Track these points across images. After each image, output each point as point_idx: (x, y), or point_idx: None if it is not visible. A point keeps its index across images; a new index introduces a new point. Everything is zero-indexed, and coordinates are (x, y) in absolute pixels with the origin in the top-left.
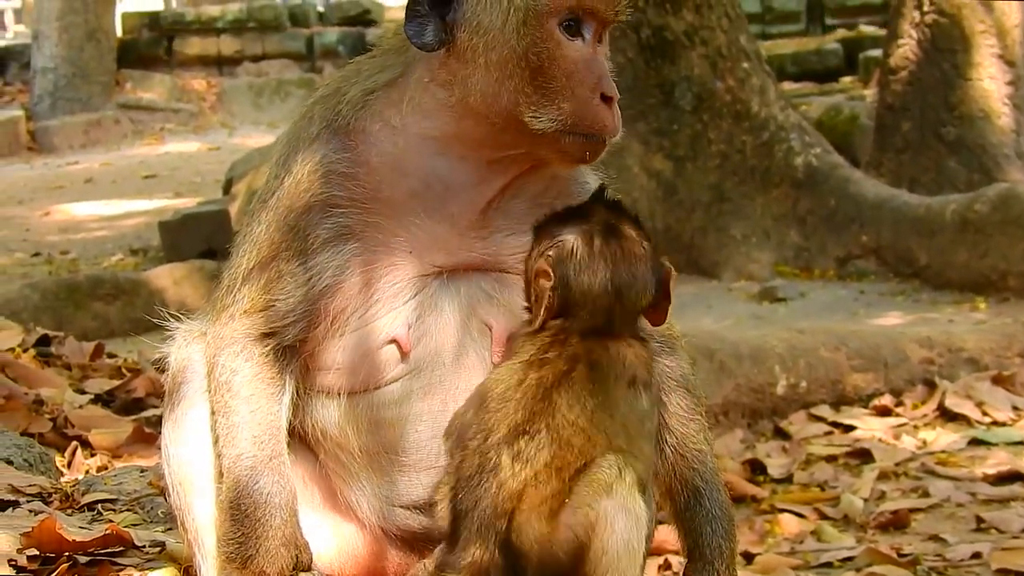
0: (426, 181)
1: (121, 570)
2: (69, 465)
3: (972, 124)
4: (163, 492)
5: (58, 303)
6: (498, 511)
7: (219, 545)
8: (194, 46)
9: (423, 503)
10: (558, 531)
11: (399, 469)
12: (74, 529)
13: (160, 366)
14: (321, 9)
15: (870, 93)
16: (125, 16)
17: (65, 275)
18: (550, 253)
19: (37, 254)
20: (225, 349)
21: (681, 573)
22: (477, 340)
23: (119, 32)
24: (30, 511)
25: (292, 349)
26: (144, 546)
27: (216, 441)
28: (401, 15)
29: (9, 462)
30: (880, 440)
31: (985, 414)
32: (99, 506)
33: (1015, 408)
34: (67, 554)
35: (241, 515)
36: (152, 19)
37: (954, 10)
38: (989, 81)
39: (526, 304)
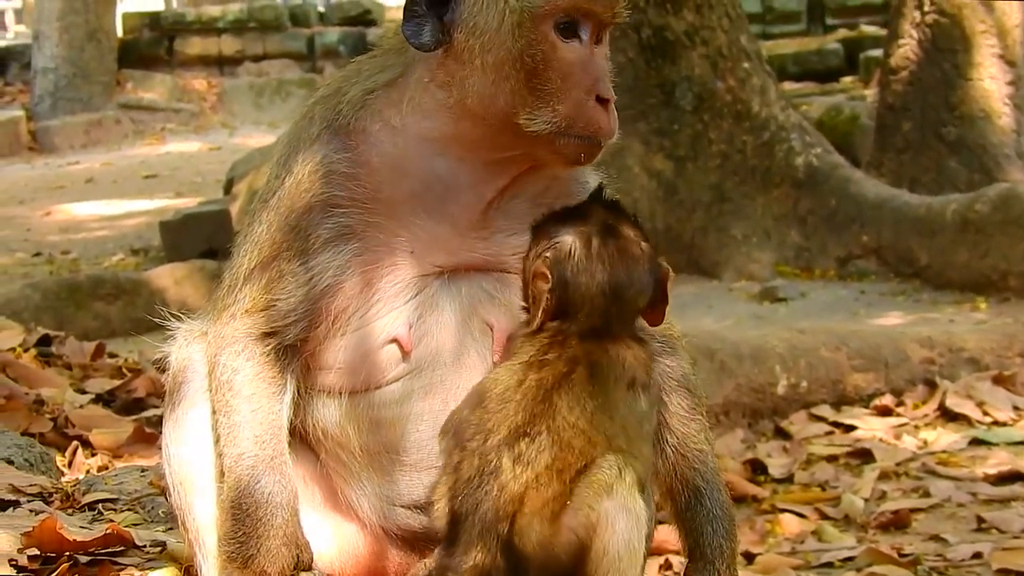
0: (426, 182)
1: (122, 570)
2: (70, 465)
3: (973, 124)
4: (164, 492)
5: (59, 303)
6: (500, 514)
7: (220, 544)
8: (195, 46)
9: (424, 503)
10: (560, 533)
11: (400, 469)
12: (75, 529)
13: (161, 366)
14: (322, 9)
15: (871, 93)
16: (126, 16)
17: (66, 275)
18: (547, 254)
19: (38, 254)
20: (226, 348)
21: (682, 573)
22: (478, 340)
23: (120, 32)
24: (31, 511)
25: (293, 348)
26: (145, 546)
27: (217, 440)
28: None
29: (10, 462)
30: (881, 440)
31: (986, 414)
32: (100, 506)
33: (1016, 408)
34: (68, 554)
35: (242, 514)
36: (153, 19)
37: (955, 10)
38: (990, 81)
39: (524, 305)
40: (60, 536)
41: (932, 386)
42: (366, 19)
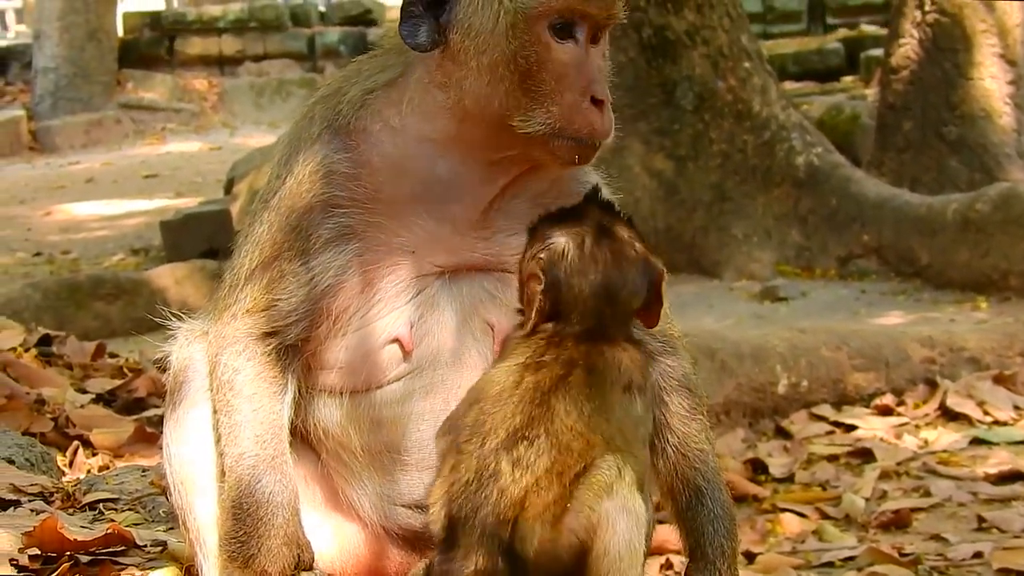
0: (427, 182)
1: (123, 569)
2: (71, 464)
3: (973, 123)
4: (164, 491)
5: (59, 303)
6: (500, 519)
7: (221, 544)
8: (195, 46)
9: (424, 502)
10: (561, 535)
11: (401, 468)
12: (76, 528)
13: (161, 365)
14: (322, 9)
15: (871, 92)
16: (126, 16)
17: (66, 275)
18: (541, 255)
19: (38, 254)
20: (227, 348)
21: (683, 573)
22: (479, 339)
23: (120, 32)
24: (32, 510)
25: (294, 348)
26: (146, 545)
27: (218, 440)
28: None
29: (11, 461)
30: (881, 439)
31: (986, 413)
32: (100, 505)
33: (1016, 407)
34: (69, 553)
35: (243, 514)
36: (153, 19)
37: (955, 9)
38: (990, 80)
39: (519, 306)
40: (61, 536)
41: (933, 385)
42: (367, 19)
